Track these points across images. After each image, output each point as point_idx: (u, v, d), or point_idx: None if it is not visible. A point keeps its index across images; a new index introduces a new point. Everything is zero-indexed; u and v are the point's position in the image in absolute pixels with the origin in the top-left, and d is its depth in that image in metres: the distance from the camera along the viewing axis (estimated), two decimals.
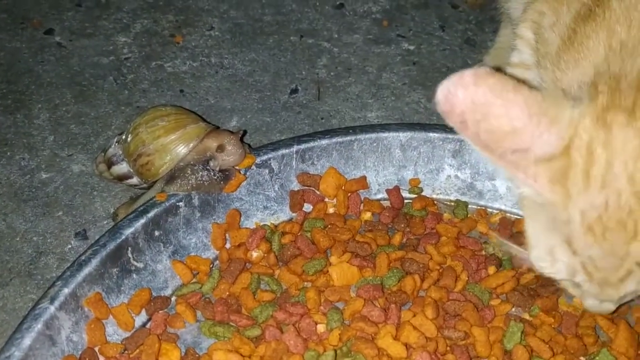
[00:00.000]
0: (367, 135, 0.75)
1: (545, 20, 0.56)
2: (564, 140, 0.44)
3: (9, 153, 0.82)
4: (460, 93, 0.43)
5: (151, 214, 0.67)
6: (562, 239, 0.47)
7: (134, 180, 0.72)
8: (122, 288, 0.64)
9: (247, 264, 0.68)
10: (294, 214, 0.73)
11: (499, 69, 0.85)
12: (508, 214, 0.74)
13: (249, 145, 0.73)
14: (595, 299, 0.51)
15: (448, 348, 0.61)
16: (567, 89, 0.51)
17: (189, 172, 0.68)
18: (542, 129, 0.44)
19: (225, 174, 0.69)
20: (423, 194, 0.75)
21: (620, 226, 0.44)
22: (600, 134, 0.44)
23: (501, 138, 0.44)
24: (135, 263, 0.65)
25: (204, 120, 0.73)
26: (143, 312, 0.64)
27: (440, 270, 0.67)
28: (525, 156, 0.44)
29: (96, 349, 0.61)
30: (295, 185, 0.74)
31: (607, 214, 0.44)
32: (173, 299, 0.66)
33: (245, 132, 0.82)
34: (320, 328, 0.62)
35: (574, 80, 0.50)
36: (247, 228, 0.70)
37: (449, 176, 0.76)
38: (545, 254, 0.49)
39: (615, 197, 0.43)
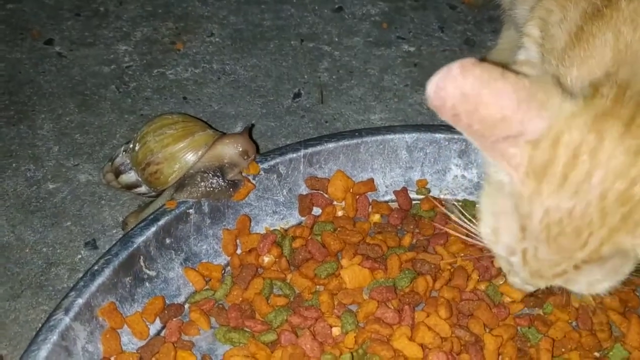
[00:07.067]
0: (374, 138, 0.75)
1: (552, 17, 0.56)
2: (551, 129, 0.44)
3: (14, 164, 0.82)
4: (449, 86, 0.43)
5: (162, 222, 0.67)
6: (516, 224, 0.48)
7: (143, 188, 0.72)
8: (135, 297, 0.64)
9: (259, 269, 0.68)
10: (303, 218, 0.73)
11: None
12: None
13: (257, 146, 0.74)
14: (519, 280, 0.53)
15: (462, 347, 0.61)
16: (568, 83, 0.51)
17: (198, 179, 0.68)
18: (532, 114, 0.44)
19: (235, 182, 0.69)
20: (430, 194, 0.75)
21: (575, 234, 0.45)
22: (591, 140, 0.43)
23: (493, 126, 0.44)
24: (147, 271, 0.65)
25: (211, 127, 0.74)
26: (157, 320, 0.64)
27: (452, 270, 0.67)
28: (515, 142, 0.45)
29: (112, 358, 0.61)
30: (304, 189, 0.74)
31: (569, 220, 0.45)
32: (186, 306, 0.66)
33: (253, 125, 0.83)
34: (335, 331, 0.62)
35: (578, 76, 0.51)
36: (257, 233, 0.70)
37: (456, 176, 0.76)
38: (491, 232, 0.50)
39: (583, 207, 0.44)
